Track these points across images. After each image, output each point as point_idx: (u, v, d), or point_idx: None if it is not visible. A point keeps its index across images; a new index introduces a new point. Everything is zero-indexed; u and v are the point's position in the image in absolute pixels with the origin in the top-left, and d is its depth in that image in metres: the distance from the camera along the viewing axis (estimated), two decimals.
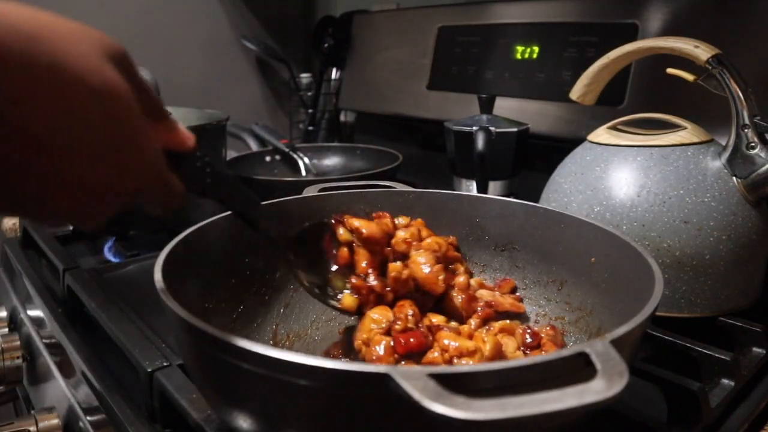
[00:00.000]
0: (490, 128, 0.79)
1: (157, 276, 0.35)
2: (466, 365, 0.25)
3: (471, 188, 0.83)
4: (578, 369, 0.25)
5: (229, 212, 0.48)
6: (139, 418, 0.46)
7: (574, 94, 0.66)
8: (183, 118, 0.85)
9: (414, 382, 0.22)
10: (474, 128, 0.79)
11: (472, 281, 0.49)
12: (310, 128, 1.32)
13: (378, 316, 0.43)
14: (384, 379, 0.23)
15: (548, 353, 0.42)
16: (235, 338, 0.27)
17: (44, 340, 0.60)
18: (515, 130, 0.81)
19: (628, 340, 0.29)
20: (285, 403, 0.28)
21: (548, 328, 0.45)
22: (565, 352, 0.25)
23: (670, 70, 0.57)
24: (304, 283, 0.46)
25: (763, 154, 0.52)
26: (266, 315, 0.50)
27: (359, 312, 0.46)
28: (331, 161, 1.09)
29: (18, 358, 0.65)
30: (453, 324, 0.45)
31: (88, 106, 0.25)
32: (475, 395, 0.21)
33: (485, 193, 0.79)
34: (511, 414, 0.20)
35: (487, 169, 0.78)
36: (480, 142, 0.77)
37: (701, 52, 0.54)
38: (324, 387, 0.25)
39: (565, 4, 0.88)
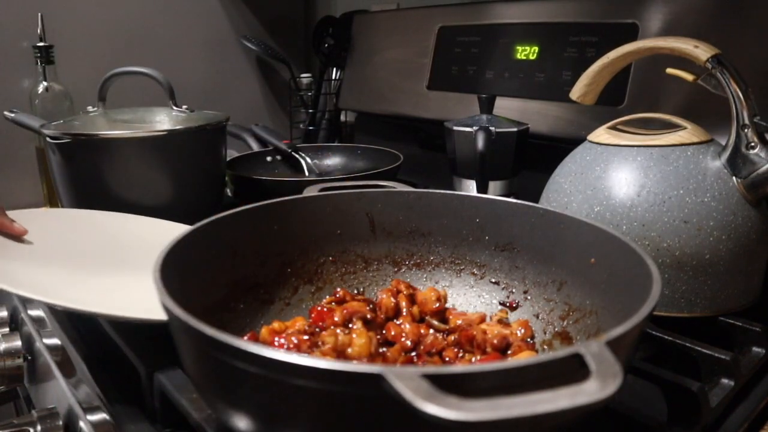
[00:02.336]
0: (491, 128, 0.79)
1: (156, 276, 0.35)
2: (460, 366, 0.25)
3: (471, 188, 0.83)
4: (573, 370, 0.25)
5: (229, 213, 0.48)
6: (139, 418, 0.46)
7: (574, 94, 0.66)
8: (182, 119, 0.85)
9: (407, 382, 0.22)
10: (474, 128, 0.79)
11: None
12: (311, 128, 1.32)
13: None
14: (377, 379, 0.23)
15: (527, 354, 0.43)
16: (231, 337, 0.27)
17: (45, 340, 0.60)
18: (515, 129, 0.80)
19: (624, 341, 0.28)
20: (280, 402, 0.28)
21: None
22: (560, 353, 0.25)
23: (670, 70, 0.57)
24: None
25: (762, 154, 0.52)
26: (266, 315, 0.50)
27: None
28: (332, 161, 1.09)
29: (19, 357, 0.65)
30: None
31: None
32: (468, 396, 0.21)
33: (485, 193, 0.79)
34: (503, 415, 0.20)
35: (487, 169, 0.78)
36: (480, 141, 0.77)
37: (701, 52, 0.54)
38: (318, 387, 0.25)
39: (565, 4, 0.88)
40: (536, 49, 0.90)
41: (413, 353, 0.45)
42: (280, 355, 0.26)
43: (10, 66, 1.07)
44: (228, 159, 0.95)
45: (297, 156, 1.04)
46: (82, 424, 0.49)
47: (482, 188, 0.78)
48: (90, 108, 0.90)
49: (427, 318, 0.49)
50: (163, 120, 0.86)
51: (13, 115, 0.87)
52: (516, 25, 0.94)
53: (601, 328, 0.43)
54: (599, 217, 0.54)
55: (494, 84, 0.95)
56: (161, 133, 0.79)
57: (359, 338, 0.41)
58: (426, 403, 0.21)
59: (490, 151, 0.77)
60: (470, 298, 0.53)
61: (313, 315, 0.45)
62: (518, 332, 0.46)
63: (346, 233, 0.55)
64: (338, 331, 0.42)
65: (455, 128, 0.82)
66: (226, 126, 0.88)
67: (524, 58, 0.92)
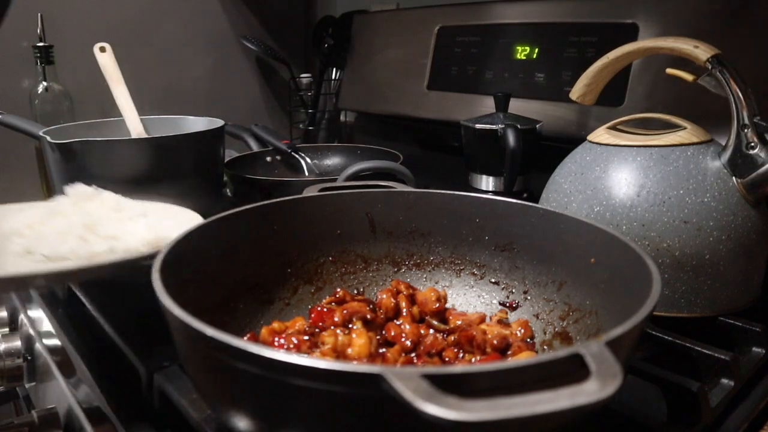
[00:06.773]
0: (518, 126, 0.81)
1: (155, 276, 0.35)
2: (459, 366, 0.25)
3: (489, 185, 0.86)
4: (573, 370, 0.25)
5: (228, 213, 0.48)
6: (139, 418, 0.46)
7: (574, 94, 0.66)
8: (181, 125, 0.86)
9: (406, 382, 0.22)
10: (500, 126, 0.80)
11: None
12: (310, 128, 1.32)
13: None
14: (377, 379, 0.23)
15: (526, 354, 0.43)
16: (231, 338, 0.27)
17: (44, 341, 0.60)
18: (537, 126, 0.83)
19: (624, 341, 0.28)
20: (280, 403, 0.28)
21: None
22: (560, 354, 0.25)
23: (670, 70, 0.57)
24: None
25: (762, 154, 0.52)
26: (266, 315, 0.50)
27: None
28: (332, 161, 1.09)
29: (18, 358, 0.65)
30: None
31: None
32: (468, 396, 0.21)
33: (512, 189, 0.81)
34: (502, 415, 0.20)
35: (517, 165, 0.80)
36: (512, 139, 0.79)
37: (701, 52, 0.54)
38: (318, 387, 0.25)
39: (564, 4, 0.88)
40: (536, 49, 0.90)
41: (413, 354, 0.45)
42: (280, 356, 0.26)
43: (9, 66, 1.07)
44: (227, 159, 0.95)
45: (297, 156, 1.04)
46: (81, 424, 0.49)
47: (510, 184, 0.80)
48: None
49: (427, 318, 0.49)
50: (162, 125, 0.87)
51: (1, 116, 0.85)
52: (516, 25, 0.94)
53: (601, 328, 0.43)
54: (599, 217, 0.54)
55: (494, 84, 0.95)
56: (160, 137, 0.80)
57: (359, 338, 0.41)
58: (426, 403, 0.21)
59: (521, 147, 0.79)
60: (470, 298, 0.53)
61: (313, 315, 0.45)
62: (518, 332, 0.46)
63: (346, 233, 0.55)
64: (338, 331, 0.42)
65: (477, 126, 0.83)
66: (224, 129, 0.88)
67: (524, 58, 0.92)
